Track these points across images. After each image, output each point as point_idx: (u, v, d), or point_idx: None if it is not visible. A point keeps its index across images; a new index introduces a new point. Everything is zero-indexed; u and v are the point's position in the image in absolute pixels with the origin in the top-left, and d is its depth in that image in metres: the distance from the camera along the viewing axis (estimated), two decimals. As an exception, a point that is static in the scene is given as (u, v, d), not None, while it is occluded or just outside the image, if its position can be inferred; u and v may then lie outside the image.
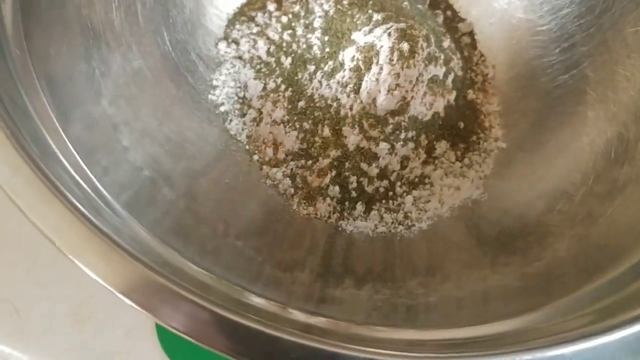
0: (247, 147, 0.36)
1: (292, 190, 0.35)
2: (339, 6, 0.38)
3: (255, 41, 0.39)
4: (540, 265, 0.29)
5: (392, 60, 0.34)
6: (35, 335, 0.32)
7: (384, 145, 0.35)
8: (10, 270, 0.33)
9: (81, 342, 0.32)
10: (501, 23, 0.40)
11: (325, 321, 0.24)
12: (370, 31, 0.35)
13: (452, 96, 0.37)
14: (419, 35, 0.34)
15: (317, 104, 0.36)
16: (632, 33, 0.32)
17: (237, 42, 0.39)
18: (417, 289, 0.30)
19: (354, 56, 0.35)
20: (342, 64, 0.36)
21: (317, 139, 0.35)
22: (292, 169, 0.35)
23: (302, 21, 0.39)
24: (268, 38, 0.39)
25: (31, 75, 0.25)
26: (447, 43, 0.38)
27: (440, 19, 0.41)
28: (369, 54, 0.34)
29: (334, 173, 0.35)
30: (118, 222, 0.24)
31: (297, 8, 0.39)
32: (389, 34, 0.34)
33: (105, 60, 0.30)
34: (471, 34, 0.41)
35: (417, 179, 0.36)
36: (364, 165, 0.35)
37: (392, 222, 0.35)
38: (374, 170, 0.35)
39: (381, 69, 0.34)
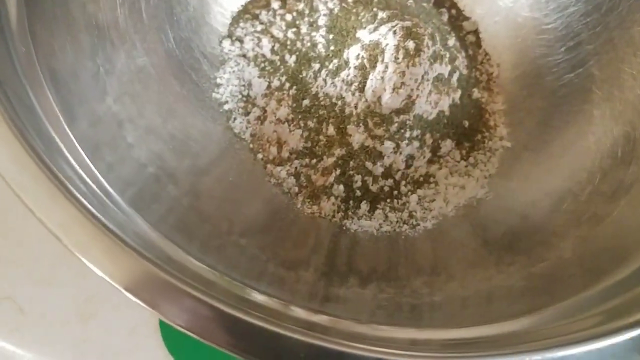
0: (251, 145, 0.36)
1: (296, 189, 0.35)
2: (343, 4, 0.38)
3: (259, 39, 0.39)
4: (545, 266, 0.29)
5: (398, 58, 0.33)
6: (39, 333, 0.32)
7: (388, 144, 0.34)
8: (14, 267, 0.33)
9: (84, 340, 0.32)
10: (506, 21, 0.40)
11: (328, 319, 0.24)
12: (376, 29, 0.35)
13: (457, 95, 0.37)
14: (424, 34, 0.34)
15: (322, 103, 0.36)
16: (639, 31, 0.32)
17: (241, 40, 0.39)
18: (421, 288, 0.30)
19: (359, 54, 0.35)
20: (347, 62, 0.35)
21: (321, 137, 0.35)
22: (296, 168, 0.35)
23: (306, 19, 0.39)
24: (272, 36, 0.39)
25: (36, 72, 0.25)
26: (452, 41, 0.37)
27: (445, 17, 0.41)
28: (374, 52, 0.34)
29: (338, 172, 0.35)
30: (122, 218, 0.24)
31: (301, 6, 0.39)
32: (395, 32, 0.34)
33: (109, 57, 0.30)
34: (476, 32, 0.41)
35: (422, 178, 0.36)
36: (368, 164, 0.35)
37: (397, 221, 0.35)
38: (378, 169, 0.35)
39: (386, 67, 0.34)
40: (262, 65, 0.38)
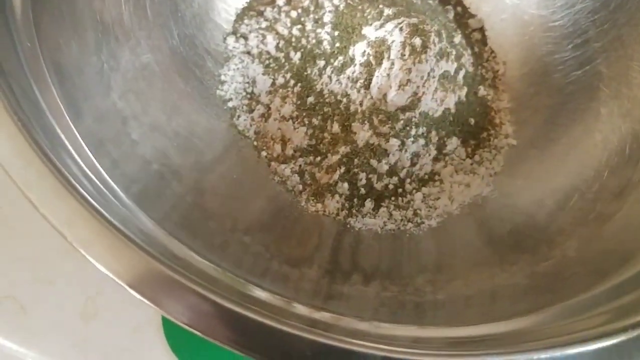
0: (255, 143, 0.36)
1: (301, 186, 0.35)
2: (349, 1, 0.38)
3: (264, 36, 0.38)
4: (549, 264, 0.29)
5: (404, 55, 0.33)
6: (41, 332, 0.32)
7: (394, 142, 0.34)
8: (15, 266, 0.33)
9: (86, 339, 0.32)
10: (513, 19, 0.40)
11: (330, 317, 0.24)
12: (382, 26, 0.35)
13: (463, 92, 0.36)
14: (430, 31, 0.34)
15: (327, 100, 0.36)
16: (647, 29, 0.32)
17: (245, 37, 0.39)
18: (425, 286, 0.30)
19: (364, 51, 0.35)
20: (352, 59, 0.35)
21: (326, 135, 0.35)
22: (300, 166, 0.35)
23: (311, 16, 0.39)
24: (277, 33, 0.38)
25: (41, 67, 0.25)
26: (458, 39, 0.37)
27: (451, 14, 0.41)
28: (380, 49, 0.34)
29: (343, 169, 0.35)
30: (126, 215, 0.24)
31: (306, 3, 0.39)
32: (401, 29, 0.34)
33: (114, 53, 0.30)
34: (482, 30, 0.41)
35: (427, 176, 0.36)
36: (373, 162, 0.35)
37: (401, 220, 0.34)
38: (383, 167, 0.35)
39: (392, 64, 0.34)
40: (267, 62, 0.38)
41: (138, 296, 0.19)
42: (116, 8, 0.31)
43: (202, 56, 0.37)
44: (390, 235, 0.34)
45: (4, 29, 0.24)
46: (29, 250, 0.33)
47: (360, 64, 0.35)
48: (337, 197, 0.34)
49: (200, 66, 0.36)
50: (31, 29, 0.25)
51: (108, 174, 0.25)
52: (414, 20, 0.34)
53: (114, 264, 0.20)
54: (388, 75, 0.34)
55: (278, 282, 0.28)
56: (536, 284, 0.28)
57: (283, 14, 0.39)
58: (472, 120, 0.37)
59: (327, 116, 0.35)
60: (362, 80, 0.35)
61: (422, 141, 0.35)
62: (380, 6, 0.36)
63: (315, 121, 0.36)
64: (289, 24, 0.39)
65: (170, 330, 0.32)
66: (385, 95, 0.34)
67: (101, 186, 0.24)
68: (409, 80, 0.33)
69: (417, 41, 0.33)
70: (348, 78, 0.35)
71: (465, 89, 0.37)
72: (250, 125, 0.36)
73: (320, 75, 0.36)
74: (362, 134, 0.35)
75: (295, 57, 0.37)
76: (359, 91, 0.35)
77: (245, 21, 0.39)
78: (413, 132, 0.35)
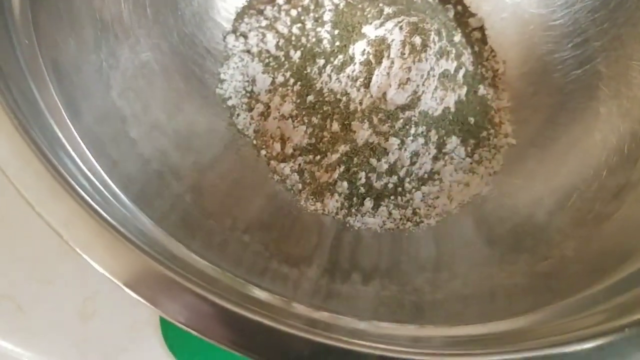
0: (254, 141, 0.36)
1: (300, 185, 0.35)
2: (349, -1, 0.38)
3: (264, 35, 0.38)
4: (548, 264, 0.29)
5: (404, 53, 0.33)
6: (39, 332, 0.32)
7: (393, 141, 0.34)
8: (14, 266, 0.33)
9: (84, 339, 0.32)
10: (513, 18, 0.40)
11: (329, 316, 0.24)
12: (382, 24, 0.35)
13: (462, 91, 0.36)
14: (430, 29, 0.34)
15: (327, 99, 0.36)
16: (647, 28, 0.32)
17: (245, 36, 0.39)
18: (424, 285, 0.30)
19: (364, 50, 0.35)
20: (352, 58, 0.35)
21: (325, 133, 0.35)
22: (300, 164, 0.35)
23: (311, 14, 0.39)
24: (277, 32, 0.38)
25: (40, 66, 0.25)
26: (457, 38, 0.37)
27: (451, 13, 0.41)
28: (380, 48, 0.34)
29: (342, 168, 0.35)
30: (125, 214, 0.24)
31: (306, 1, 0.39)
32: (401, 28, 0.34)
33: (113, 52, 0.30)
34: (482, 29, 0.41)
35: (426, 175, 0.36)
36: (373, 161, 0.35)
37: (401, 219, 0.34)
38: (383, 166, 0.35)
39: (392, 62, 0.33)
40: (267, 60, 0.38)
41: (135, 296, 0.19)
42: (116, 6, 0.31)
43: (201, 54, 0.37)
44: (389, 234, 0.34)
45: (3, 29, 0.24)
46: (27, 250, 0.33)
47: (360, 63, 0.35)
48: (336, 196, 0.34)
49: (200, 64, 0.36)
50: (29, 26, 0.25)
51: (107, 174, 0.25)
52: (414, 19, 0.34)
53: (111, 263, 0.19)
54: (388, 74, 0.34)
55: (277, 281, 0.28)
56: (535, 283, 0.28)
57: (283, 13, 0.39)
58: (471, 119, 0.37)
59: (326, 115, 0.35)
60: (361, 79, 0.35)
61: (421, 140, 0.35)
62: (380, 5, 0.36)
63: (314, 120, 0.35)
64: (288, 23, 0.39)
65: (168, 330, 0.32)
66: (385, 94, 0.34)
67: (100, 186, 0.24)
68: (408, 79, 0.33)
69: (417, 40, 0.33)
70: (348, 77, 0.35)
71: (465, 88, 0.37)
72: (250, 124, 0.36)
73: (320, 74, 0.36)
74: (362, 133, 0.35)
75: (295, 55, 0.37)
76: (358, 90, 0.35)
77: (245, 20, 0.39)
78: (413, 131, 0.35)
